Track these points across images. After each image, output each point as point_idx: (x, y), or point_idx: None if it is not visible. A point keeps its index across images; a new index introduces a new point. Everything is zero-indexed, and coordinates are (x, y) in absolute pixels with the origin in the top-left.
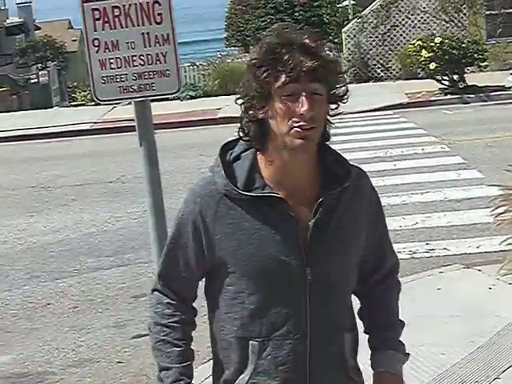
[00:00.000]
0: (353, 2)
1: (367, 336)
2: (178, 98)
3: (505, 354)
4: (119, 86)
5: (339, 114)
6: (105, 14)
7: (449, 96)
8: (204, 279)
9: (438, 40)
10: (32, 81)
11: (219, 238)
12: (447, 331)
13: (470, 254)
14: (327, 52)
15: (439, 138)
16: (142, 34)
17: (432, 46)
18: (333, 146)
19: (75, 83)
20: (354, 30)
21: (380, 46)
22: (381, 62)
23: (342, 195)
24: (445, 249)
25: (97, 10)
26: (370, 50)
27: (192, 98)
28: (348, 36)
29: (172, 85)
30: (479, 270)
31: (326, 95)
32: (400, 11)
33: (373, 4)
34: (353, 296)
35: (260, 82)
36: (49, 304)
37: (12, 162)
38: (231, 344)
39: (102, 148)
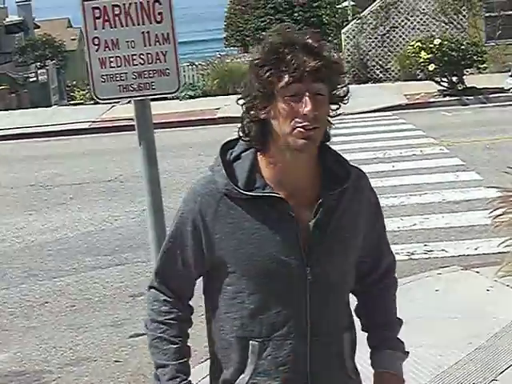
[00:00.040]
0: (352, 3)
1: (366, 334)
2: (177, 98)
3: (502, 355)
4: (119, 85)
5: (339, 114)
6: (105, 13)
7: (448, 98)
8: (202, 278)
9: (437, 41)
10: (31, 79)
11: (219, 238)
12: (445, 333)
13: (468, 255)
14: (330, 52)
15: (438, 140)
16: (142, 32)
17: (431, 48)
18: (332, 147)
19: (74, 82)
20: (353, 30)
21: (379, 47)
22: (380, 63)
23: (342, 196)
24: (443, 250)
25: (97, 8)
26: (370, 51)
27: (191, 97)
28: (347, 37)
29: (172, 84)
30: (477, 272)
31: (328, 95)
32: (399, 12)
33: (372, 5)
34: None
35: (263, 81)
36: (46, 302)
37: (11, 161)
38: (231, 344)
39: (101, 147)
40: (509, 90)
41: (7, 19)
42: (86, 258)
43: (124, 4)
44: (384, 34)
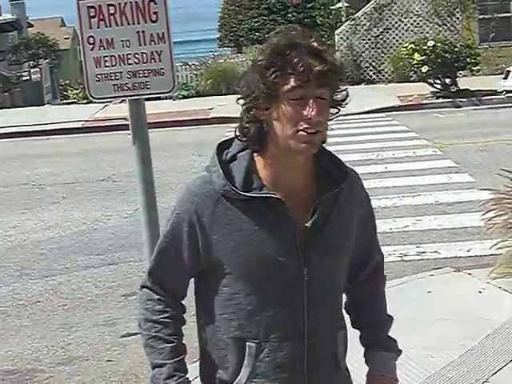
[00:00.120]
0: (346, 5)
1: (358, 333)
2: (171, 98)
3: (495, 357)
4: (114, 84)
5: (336, 117)
6: (100, 12)
7: (441, 99)
8: (194, 279)
9: (430, 43)
10: (24, 78)
11: (216, 239)
12: (437, 334)
13: (460, 257)
14: (333, 56)
15: (431, 142)
16: (138, 32)
17: (425, 50)
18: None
19: (67, 81)
20: (346, 32)
21: (373, 48)
22: (373, 64)
23: (337, 197)
24: (435, 252)
25: (92, 7)
26: (363, 52)
27: (184, 97)
28: (341, 38)
29: (167, 84)
30: (469, 274)
31: (329, 99)
32: (393, 14)
33: (366, 6)
34: None
35: (268, 83)
36: (38, 302)
37: (4, 160)
38: (227, 345)
39: (94, 146)
40: (502, 92)
41: (0, 18)
42: (79, 258)
43: (119, 3)
44: (377, 36)
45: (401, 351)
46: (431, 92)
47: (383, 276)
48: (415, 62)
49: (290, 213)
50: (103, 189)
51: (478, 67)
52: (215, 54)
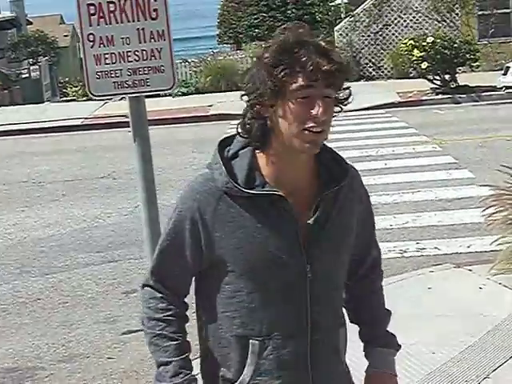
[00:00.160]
0: (345, 1)
1: (358, 328)
2: (170, 95)
3: (495, 353)
4: (114, 82)
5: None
6: (100, 9)
7: (440, 96)
8: (194, 278)
9: (430, 39)
10: (23, 76)
11: (219, 236)
12: (437, 330)
13: (460, 253)
14: (340, 55)
15: (430, 138)
16: (138, 29)
17: (424, 46)
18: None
19: (66, 78)
20: (346, 28)
21: (372, 44)
22: (373, 60)
23: (338, 194)
24: (435, 248)
25: (92, 5)
26: (362, 48)
27: (184, 94)
28: (340, 35)
29: (167, 81)
30: (470, 270)
31: (334, 98)
32: (392, 10)
33: (365, 3)
34: None
35: (275, 80)
36: (39, 299)
37: (3, 157)
38: (230, 342)
39: (93, 144)
40: (501, 88)
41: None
42: (79, 255)
43: (119, 0)
44: (377, 32)
45: (400, 346)
46: (431, 88)
47: (380, 271)
48: (414, 58)
49: (293, 210)
50: (103, 186)
51: (477, 63)
52: (214, 51)
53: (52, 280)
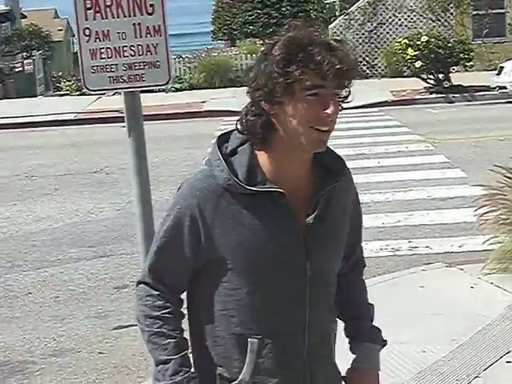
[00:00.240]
0: None
1: (342, 324)
2: (163, 91)
3: (485, 352)
4: (109, 76)
5: None
6: (96, 4)
7: (434, 95)
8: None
9: (424, 39)
10: (17, 69)
11: (219, 233)
12: (428, 329)
13: (452, 252)
14: (350, 54)
15: (423, 137)
16: (134, 24)
17: (418, 45)
18: None
19: (60, 73)
20: (340, 26)
21: (366, 43)
22: (367, 59)
23: (334, 191)
24: (427, 247)
25: None
26: (357, 47)
27: (177, 90)
28: (334, 33)
29: (162, 76)
30: (461, 269)
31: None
32: (387, 9)
33: (360, 1)
34: None
35: (287, 77)
36: (30, 293)
37: None
38: (228, 341)
39: (86, 138)
40: (495, 88)
41: None
42: (71, 249)
43: None
44: (371, 31)
45: (385, 342)
46: (424, 87)
47: (363, 266)
48: (409, 57)
49: (292, 207)
50: (96, 181)
51: (471, 63)
52: (209, 47)
53: (44, 274)
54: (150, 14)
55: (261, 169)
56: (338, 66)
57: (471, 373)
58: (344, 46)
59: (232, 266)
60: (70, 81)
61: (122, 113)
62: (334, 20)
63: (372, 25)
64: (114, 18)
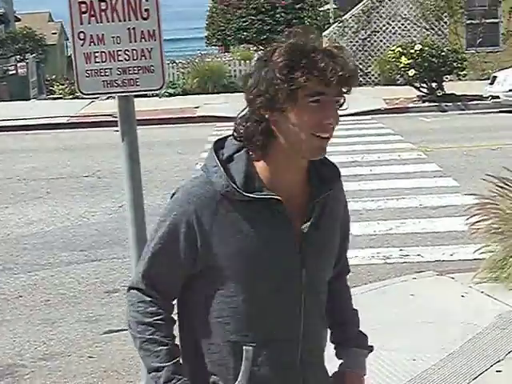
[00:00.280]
0: (334, 6)
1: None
2: (157, 95)
3: (476, 361)
4: (103, 80)
5: None
6: (91, 8)
7: (427, 103)
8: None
9: (417, 47)
10: (10, 72)
11: (217, 240)
12: (419, 337)
13: (443, 261)
14: (351, 61)
15: (416, 145)
16: (128, 29)
17: (412, 53)
18: None
19: (53, 76)
20: (334, 34)
21: (360, 51)
22: (360, 67)
23: (328, 199)
24: (419, 255)
25: (83, 3)
26: (350, 54)
27: (170, 95)
28: (328, 40)
29: (156, 81)
30: (452, 278)
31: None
32: (381, 17)
33: (354, 9)
34: None
35: (292, 83)
36: (21, 296)
37: None
38: (223, 349)
39: (79, 142)
40: (488, 97)
41: None
42: (62, 253)
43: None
44: (365, 38)
45: (372, 347)
46: (417, 96)
47: (347, 272)
48: (402, 65)
49: (289, 215)
50: (88, 185)
51: (464, 72)
52: (202, 52)
53: (34, 278)
54: (144, 19)
55: (258, 176)
56: (340, 73)
57: (461, 381)
58: (344, 52)
59: (228, 273)
60: (63, 84)
61: (115, 117)
62: (328, 27)
63: (366, 33)
64: (108, 22)
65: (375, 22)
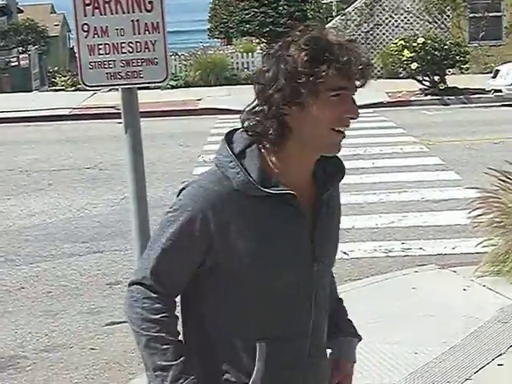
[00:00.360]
0: None
1: None
2: (159, 88)
3: (477, 355)
4: (107, 73)
5: None
6: (95, 0)
7: (429, 97)
8: (193, 279)
9: (420, 40)
10: (13, 64)
11: (233, 237)
12: (420, 331)
13: (445, 254)
14: (366, 54)
15: (418, 138)
16: (132, 21)
17: (414, 46)
18: None
19: (56, 68)
20: (337, 27)
21: (362, 44)
22: None
23: (332, 193)
24: (420, 248)
25: None
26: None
27: (173, 87)
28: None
29: (160, 73)
30: (454, 271)
31: None
32: (384, 10)
33: (357, 2)
34: None
35: (316, 78)
36: (23, 288)
37: None
38: (236, 346)
39: (81, 134)
40: (490, 91)
41: None
42: (64, 245)
43: None
44: (368, 31)
45: (361, 337)
46: (420, 89)
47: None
48: (404, 58)
49: (303, 210)
50: (90, 177)
51: (467, 65)
52: (205, 45)
53: (36, 269)
54: (148, 11)
55: (272, 171)
56: (360, 67)
57: (462, 375)
58: (359, 46)
59: (244, 269)
60: (65, 76)
61: (118, 109)
62: (331, 20)
63: (368, 26)
64: (112, 14)
65: (378, 15)
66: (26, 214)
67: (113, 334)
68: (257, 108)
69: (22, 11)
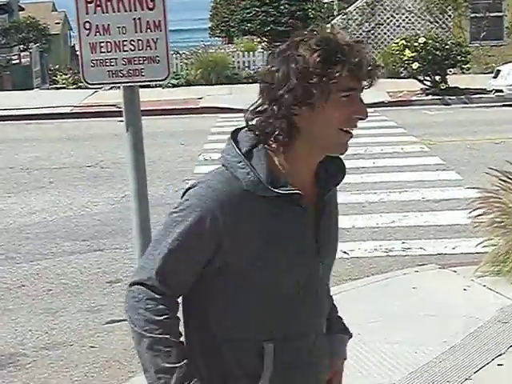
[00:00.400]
0: None
1: None
2: (160, 86)
3: (477, 355)
4: (108, 71)
5: None
6: None
7: (430, 96)
8: (199, 279)
9: (421, 40)
10: (14, 62)
11: (242, 237)
12: (420, 330)
13: (445, 254)
14: (370, 55)
15: (419, 138)
16: (134, 19)
17: (415, 46)
18: None
19: (57, 66)
20: (338, 26)
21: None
22: None
23: (332, 193)
24: (421, 248)
25: None
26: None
27: (174, 86)
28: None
29: (161, 71)
30: (454, 271)
31: None
32: (385, 9)
33: (358, 1)
34: None
35: (329, 78)
36: (23, 286)
37: None
38: (242, 347)
39: (82, 132)
40: (491, 91)
41: None
42: (65, 243)
43: None
44: (369, 31)
45: (350, 333)
46: (421, 89)
47: None
48: (406, 58)
49: (309, 210)
50: (90, 175)
51: (468, 65)
52: (206, 43)
53: (37, 267)
54: (150, 9)
55: (280, 171)
56: (370, 68)
57: (462, 375)
58: (366, 47)
59: (253, 270)
60: (66, 74)
61: (119, 107)
62: (332, 19)
63: (370, 25)
64: (114, 12)
65: (379, 15)
66: (26, 212)
67: (113, 332)
68: (262, 107)
69: (23, 9)
